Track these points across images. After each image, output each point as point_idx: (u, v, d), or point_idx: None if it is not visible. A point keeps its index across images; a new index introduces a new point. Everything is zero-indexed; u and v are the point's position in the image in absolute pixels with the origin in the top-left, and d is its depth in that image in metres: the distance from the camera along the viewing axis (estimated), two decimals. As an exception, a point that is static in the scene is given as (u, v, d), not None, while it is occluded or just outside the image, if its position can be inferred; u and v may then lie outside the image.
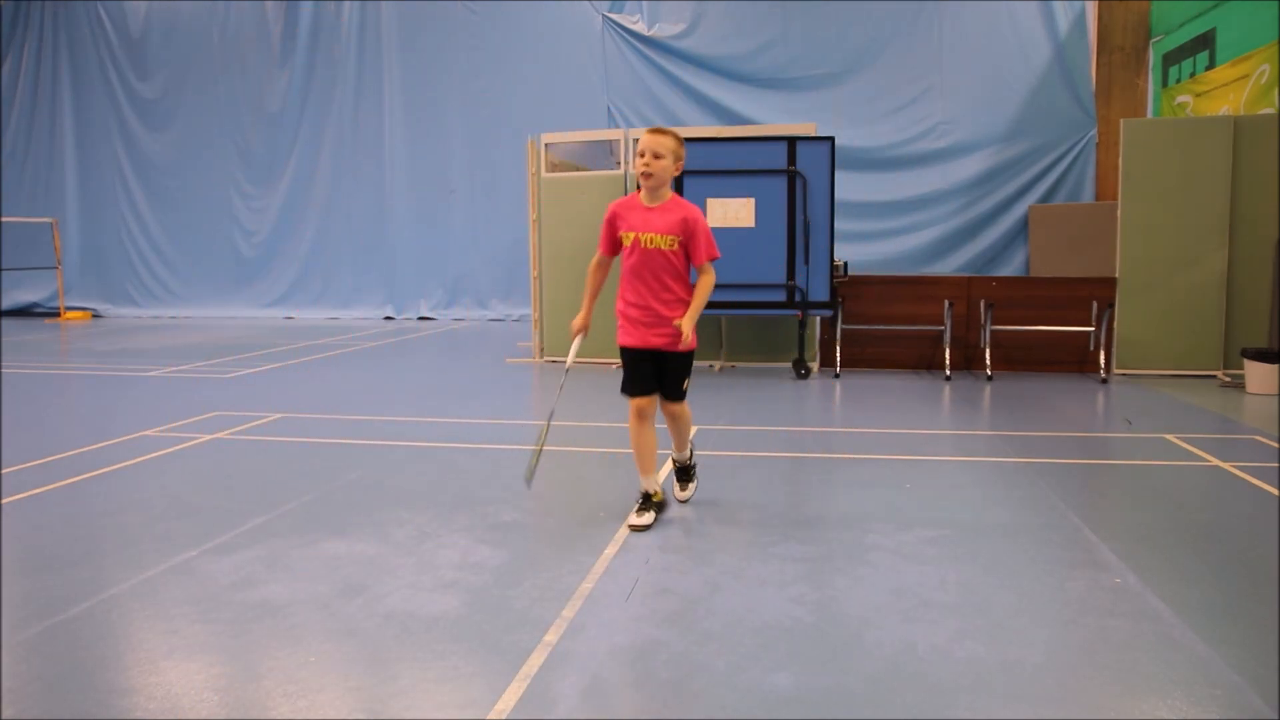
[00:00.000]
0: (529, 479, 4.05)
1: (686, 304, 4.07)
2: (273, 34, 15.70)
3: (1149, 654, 2.78)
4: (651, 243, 3.99)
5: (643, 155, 3.98)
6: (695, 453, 4.57)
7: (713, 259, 4.07)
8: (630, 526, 4.03)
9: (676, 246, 4.02)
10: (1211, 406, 6.91)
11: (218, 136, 16.09)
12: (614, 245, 4.12)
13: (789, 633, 2.94)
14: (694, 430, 4.37)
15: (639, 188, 4.12)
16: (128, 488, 4.76)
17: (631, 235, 4.02)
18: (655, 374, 4.11)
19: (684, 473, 4.45)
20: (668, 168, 4.00)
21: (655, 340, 4.05)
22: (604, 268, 4.21)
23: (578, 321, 4.12)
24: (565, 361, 4.26)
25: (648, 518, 4.09)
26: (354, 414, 6.78)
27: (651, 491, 4.18)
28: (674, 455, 4.43)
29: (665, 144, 3.98)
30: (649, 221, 4.01)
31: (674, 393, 4.18)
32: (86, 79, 16.62)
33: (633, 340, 4.09)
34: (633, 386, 4.12)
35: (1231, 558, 3.65)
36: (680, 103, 13.79)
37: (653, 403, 4.13)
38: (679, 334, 3.97)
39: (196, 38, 16.05)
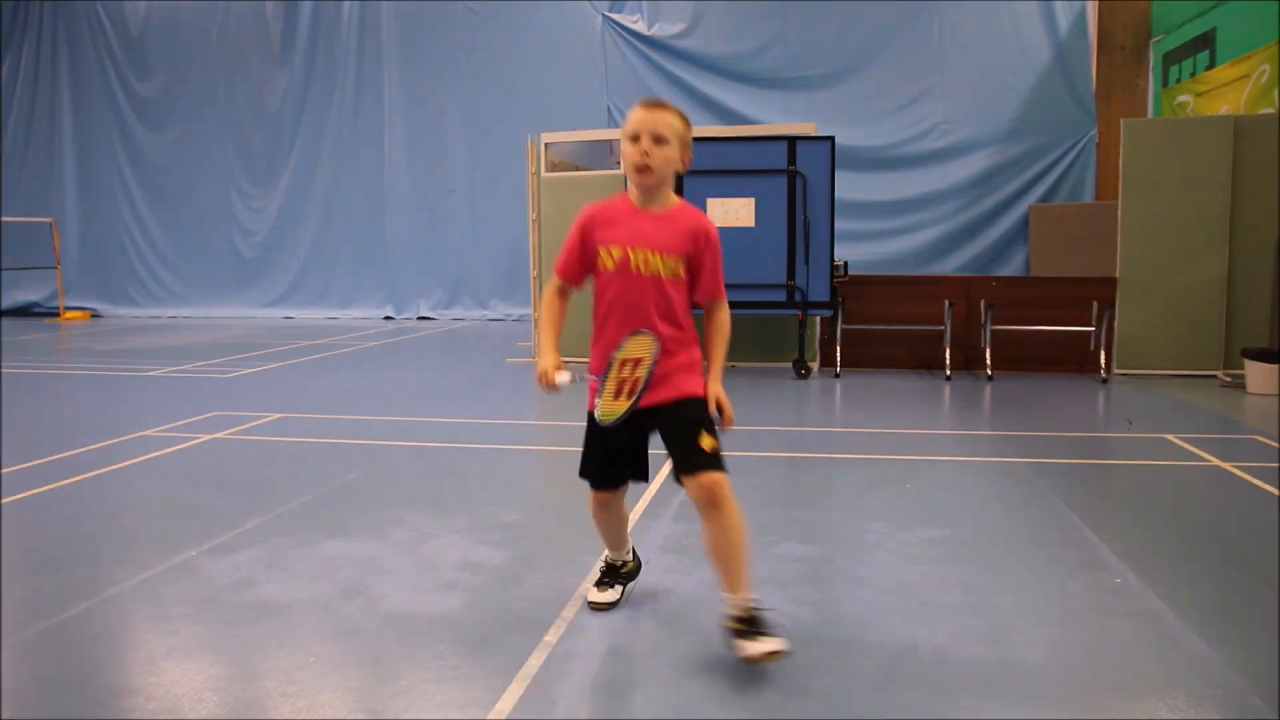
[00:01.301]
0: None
1: (689, 355, 2.80)
2: (272, 33, 15.71)
3: (1149, 654, 2.78)
4: (648, 265, 2.74)
5: (637, 139, 2.70)
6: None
7: (718, 296, 2.88)
8: (591, 604, 3.11)
9: (681, 273, 2.79)
10: (1212, 406, 6.91)
11: (217, 136, 16.10)
12: (584, 268, 2.86)
13: (789, 633, 2.94)
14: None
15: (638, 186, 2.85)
16: (128, 488, 4.76)
17: (618, 251, 2.76)
18: (634, 450, 2.88)
19: (752, 626, 2.63)
20: (672, 159, 2.73)
21: (653, 397, 2.73)
22: (565, 299, 2.94)
23: (547, 363, 2.72)
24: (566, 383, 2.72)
25: (611, 594, 3.12)
26: (354, 414, 6.77)
27: (619, 562, 3.18)
28: (727, 602, 2.68)
29: (670, 124, 2.72)
30: (645, 233, 2.76)
31: (695, 457, 2.66)
32: (85, 78, 16.63)
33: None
34: (595, 469, 2.92)
35: (1231, 558, 3.65)
36: (680, 102, 13.61)
37: (619, 495, 3.01)
38: (682, 390, 2.75)
39: (196, 37, 16.05)
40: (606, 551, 3.19)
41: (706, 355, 2.87)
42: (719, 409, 2.81)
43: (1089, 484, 4.89)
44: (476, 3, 14.76)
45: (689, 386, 2.78)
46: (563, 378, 2.70)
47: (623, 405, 2.63)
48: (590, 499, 3.02)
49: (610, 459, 2.91)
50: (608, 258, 2.78)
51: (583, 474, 2.97)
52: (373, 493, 4.63)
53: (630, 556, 3.21)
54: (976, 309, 8.66)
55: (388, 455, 5.46)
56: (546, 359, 2.76)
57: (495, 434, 6.03)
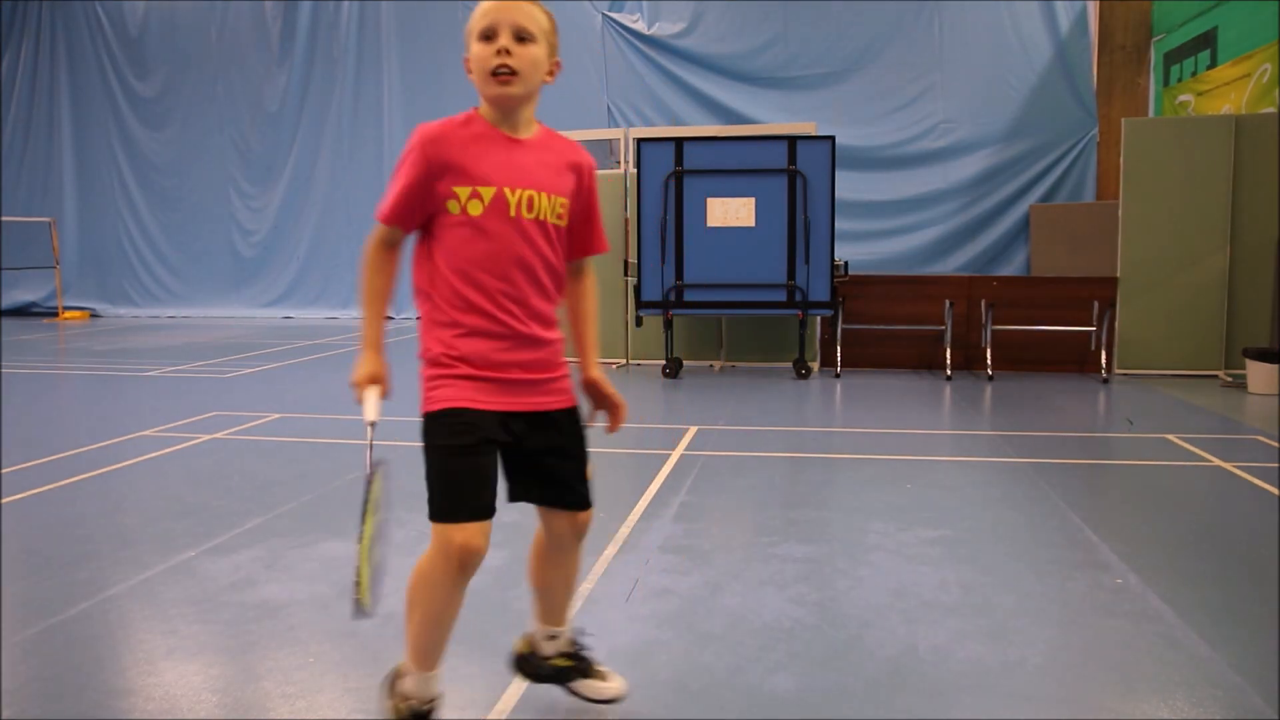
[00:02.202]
0: (363, 607, 2.11)
1: (559, 338, 2.21)
2: (271, 33, 15.69)
3: (1150, 654, 2.78)
4: (533, 208, 2.08)
5: (492, 35, 2.06)
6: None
7: (602, 250, 2.29)
8: None
9: (566, 220, 2.17)
10: (1213, 407, 6.90)
11: (216, 135, 16.08)
12: (425, 211, 2.08)
13: (789, 634, 2.94)
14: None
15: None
16: (127, 488, 4.75)
17: (489, 192, 2.04)
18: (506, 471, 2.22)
19: (584, 661, 2.39)
20: (540, 64, 2.11)
21: (542, 400, 2.16)
22: (396, 254, 2.18)
23: (364, 372, 2.30)
24: (370, 415, 2.36)
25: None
26: (354, 414, 6.75)
27: (426, 701, 2.19)
28: (559, 636, 2.38)
29: (534, 17, 2.09)
30: (524, 167, 2.09)
31: (585, 491, 2.24)
32: (84, 78, 16.60)
33: (492, 399, 2.16)
34: (466, 500, 2.17)
35: (1232, 558, 3.65)
36: (680, 102, 13.79)
37: (487, 536, 2.18)
38: (568, 396, 2.21)
39: (195, 36, 16.03)
40: (413, 681, 2.21)
41: (576, 334, 2.27)
42: (609, 402, 2.25)
43: (1089, 484, 4.89)
44: (476, 2, 14.73)
45: (571, 391, 2.22)
46: (370, 411, 2.20)
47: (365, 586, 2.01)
48: (440, 558, 2.17)
49: (485, 481, 2.16)
50: (472, 200, 2.03)
51: (443, 514, 2.19)
52: (372, 492, 4.62)
53: (438, 692, 2.21)
54: (977, 309, 8.66)
55: (388, 455, 5.44)
56: (365, 365, 2.21)
57: (495, 434, 6.02)
